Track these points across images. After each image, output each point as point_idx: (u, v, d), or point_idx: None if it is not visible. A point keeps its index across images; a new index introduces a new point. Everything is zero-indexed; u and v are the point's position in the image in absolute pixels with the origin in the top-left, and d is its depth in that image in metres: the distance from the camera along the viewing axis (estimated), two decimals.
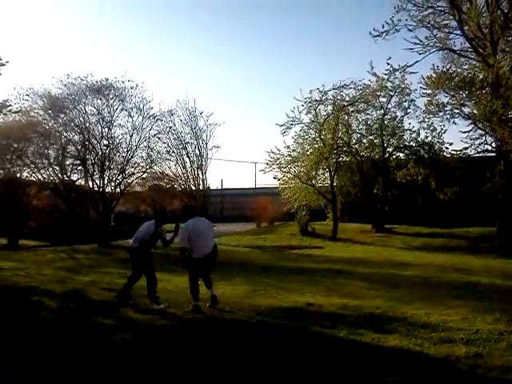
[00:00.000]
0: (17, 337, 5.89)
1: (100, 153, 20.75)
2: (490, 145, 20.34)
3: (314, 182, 25.22)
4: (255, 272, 12.40)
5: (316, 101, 24.22)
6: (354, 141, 25.51)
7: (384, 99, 24.41)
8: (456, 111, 20.50)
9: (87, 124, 20.74)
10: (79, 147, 21.04)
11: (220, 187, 43.42)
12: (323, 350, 5.31)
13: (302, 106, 24.40)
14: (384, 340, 5.56)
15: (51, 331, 6.16)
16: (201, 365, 4.88)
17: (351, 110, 24.72)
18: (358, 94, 24.20)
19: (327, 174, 25.51)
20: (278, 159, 25.20)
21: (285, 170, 25.62)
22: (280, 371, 4.67)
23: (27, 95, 20.61)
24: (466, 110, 20.46)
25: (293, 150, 25.27)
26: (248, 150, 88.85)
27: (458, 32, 20.93)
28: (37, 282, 10.15)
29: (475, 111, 19.90)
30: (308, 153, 24.75)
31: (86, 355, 5.22)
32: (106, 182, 21.06)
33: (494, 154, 20.86)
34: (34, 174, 21.00)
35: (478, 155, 21.48)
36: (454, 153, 21.92)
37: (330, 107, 24.55)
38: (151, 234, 8.03)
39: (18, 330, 6.19)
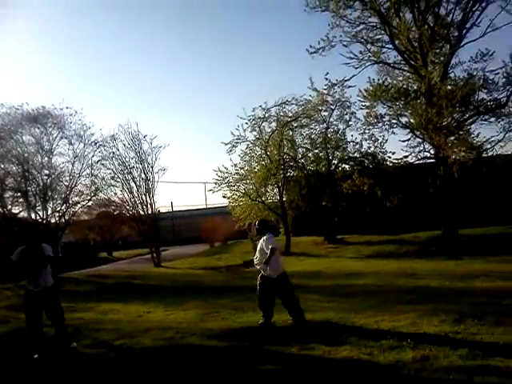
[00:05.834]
0: None
1: (41, 183, 20.16)
2: (429, 151, 21.10)
3: (263, 198, 25.25)
4: (209, 294, 12.25)
5: (260, 118, 24.39)
6: (299, 155, 25.84)
7: (326, 113, 24.95)
8: (394, 121, 21.19)
9: (26, 154, 20.14)
10: (19, 179, 20.32)
11: (170, 210, 42.98)
12: (275, 367, 5.27)
13: (246, 123, 24.52)
14: (334, 352, 5.59)
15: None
16: None
17: (295, 125, 25.06)
18: (301, 110, 24.60)
19: (276, 190, 25.62)
20: (226, 178, 25.06)
21: (234, 188, 25.50)
22: None
23: None
24: (404, 119, 21.22)
25: (240, 168, 25.24)
26: (197, 170, 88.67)
27: (390, 46, 21.75)
28: None
29: (412, 120, 20.66)
30: (255, 170, 24.79)
31: None
32: (49, 212, 20.44)
33: (433, 160, 21.63)
34: None
35: (418, 162, 22.20)
36: (396, 161, 22.57)
37: (273, 124, 24.78)
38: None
39: None
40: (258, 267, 7.45)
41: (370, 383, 4.54)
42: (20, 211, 21.37)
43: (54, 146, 20.75)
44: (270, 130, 24.74)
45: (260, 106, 24.24)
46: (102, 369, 5.82)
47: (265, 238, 7.33)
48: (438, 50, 21.53)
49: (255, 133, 24.84)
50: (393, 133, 21.90)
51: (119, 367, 5.83)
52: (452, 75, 20.76)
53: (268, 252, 7.11)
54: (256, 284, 7.59)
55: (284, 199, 25.53)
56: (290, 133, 25.36)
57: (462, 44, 20.70)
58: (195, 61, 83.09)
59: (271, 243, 7.18)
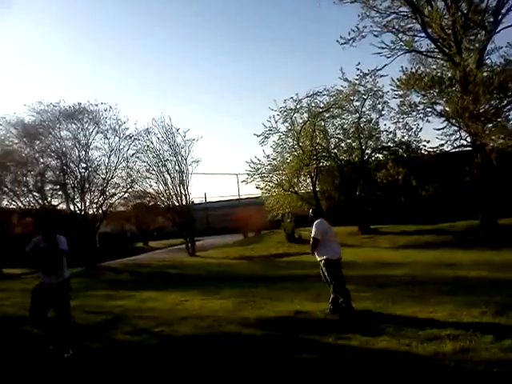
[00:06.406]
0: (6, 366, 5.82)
1: (79, 176, 20.72)
2: (465, 139, 20.55)
3: (296, 188, 25.22)
4: (244, 283, 12.36)
5: (291, 109, 24.31)
6: (332, 146, 25.62)
7: (358, 103, 24.55)
8: (428, 110, 20.64)
9: (64, 149, 20.70)
10: (58, 172, 20.96)
11: (204, 201, 43.35)
12: (311, 357, 5.31)
13: (278, 115, 24.49)
14: (372, 342, 5.58)
15: (38, 359, 6.08)
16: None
17: (327, 115, 24.80)
18: (332, 100, 24.31)
19: (309, 180, 25.58)
20: (258, 169, 25.18)
21: (266, 179, 25.60)
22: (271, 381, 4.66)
23: (0, 124, 20.52)
24: (439, 107, 20.65)
25: (273, 159, 25.31)
26: (230, 161, 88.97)
27: (423, 34, 21.16)
28: (23, 310, 9.97)
29: (447, 108, 20.13)
30: (288, 160, 24.81)
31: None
32: (87, 204, 21.02)
33: (470, 148, 21.11)
34: (13, 202, 20.76)
35: (454, 150, 21.69)
36: (431, 150, 22.11)
37: (305, 115, 24.64)
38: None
39: (7, 360, 6.12)
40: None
41: (410, 375, 4.52)
42: (59, 203, 22.03)
43: (90, 141, 21.26)
44: (301, 121, 24.64)
45: (291, 98, 24.16)
46: (142, 355, 5.99)
47: (314, 223, 7.74)
48: (472, 37, 20.83)
49: (287, 124, 24.83)
50: (427, 121, 21.37)
51: (159, 354, 5.99)
52: (488, 61, 20.09)
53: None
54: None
55: (317, 189, 25.43)
56: (322, 123, 25.14)
57: (498, 30, 19.89)
58: (228, 55, 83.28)
59: (314, 232, 7.64)
